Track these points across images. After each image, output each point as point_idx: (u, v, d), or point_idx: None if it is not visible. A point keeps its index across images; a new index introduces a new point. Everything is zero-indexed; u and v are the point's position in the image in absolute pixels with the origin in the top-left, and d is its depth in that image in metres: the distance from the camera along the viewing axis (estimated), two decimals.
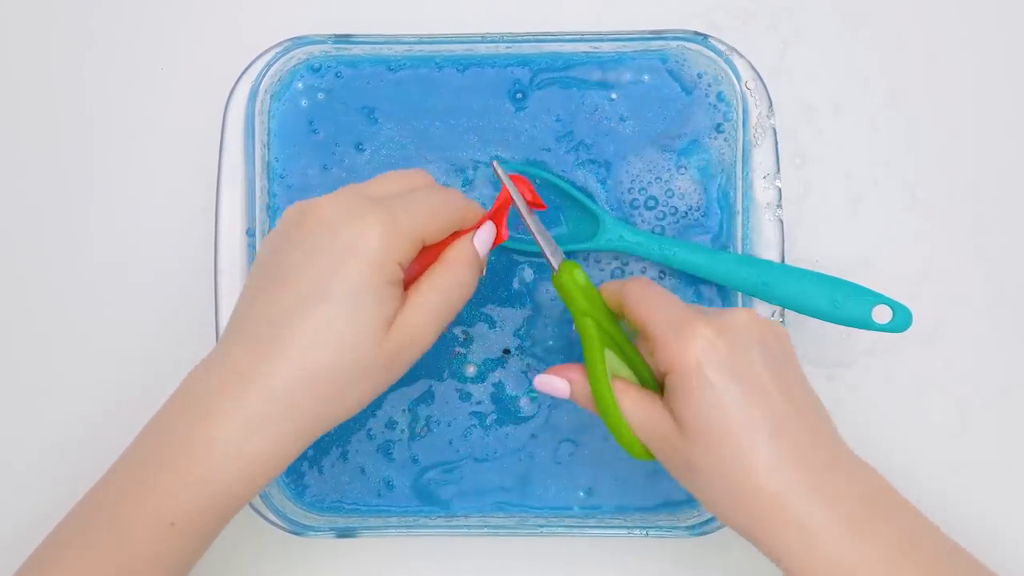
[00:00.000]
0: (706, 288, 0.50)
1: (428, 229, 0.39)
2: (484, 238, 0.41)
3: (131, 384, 0.52)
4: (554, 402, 0.49)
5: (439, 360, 0.50)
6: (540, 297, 0.50)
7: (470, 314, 0.50)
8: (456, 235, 0.41)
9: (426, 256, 0.40)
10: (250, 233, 0.49)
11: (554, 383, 0.43)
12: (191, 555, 0.39)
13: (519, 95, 0.50)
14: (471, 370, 0.50)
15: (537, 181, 0.50)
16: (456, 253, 0.40)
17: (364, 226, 0.37)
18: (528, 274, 0.50)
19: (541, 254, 0.42)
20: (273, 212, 0.50)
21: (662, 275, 0.50)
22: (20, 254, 0.53)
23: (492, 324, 0.50)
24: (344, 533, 0.48)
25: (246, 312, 0.39)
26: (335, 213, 0.38)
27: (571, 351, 0.50)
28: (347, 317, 0.37)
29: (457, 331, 0.50)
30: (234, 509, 0.38)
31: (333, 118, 0.50)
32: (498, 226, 0.42)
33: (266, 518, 0.48)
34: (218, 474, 0.37)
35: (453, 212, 0.40)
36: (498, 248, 0.49)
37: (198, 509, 0.37)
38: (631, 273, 0.50)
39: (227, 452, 0.37)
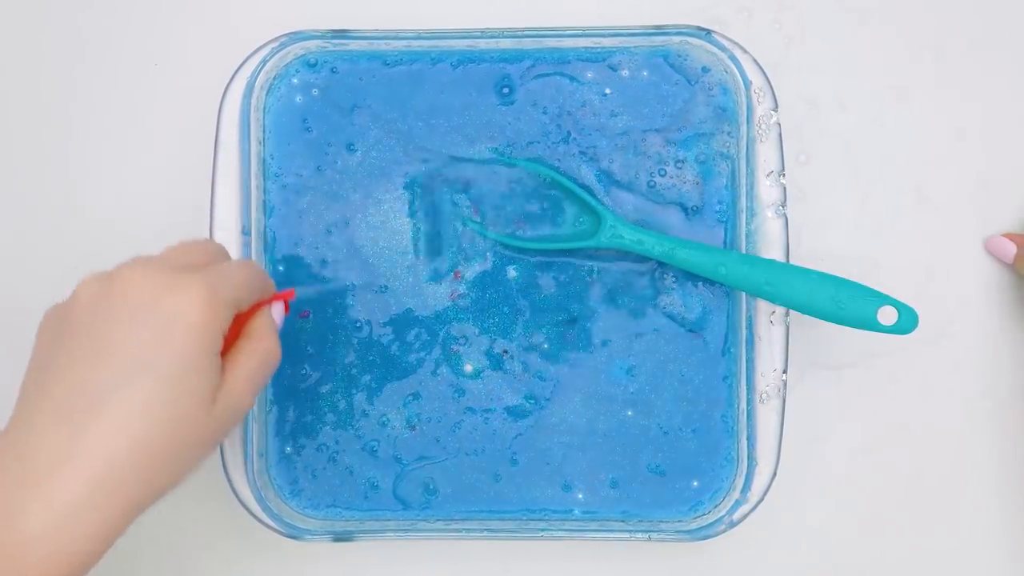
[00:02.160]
0: (708, 287, 0.49)
1: (243, 299, 0.39)
2: (279, 311, 0.42)
3: None
4: (553, 405, 0.49)
5: (437, 359, 0.49)
6: (538, 298, 0.49)
7: (472, 317, 0.49)
8: (251, 311, 0.41)
9: (229, 333, 0.40)
10: (245, 232, 0.48)
11: (1005, 246, 0.49)
12: None
13: (515, 91, 0.49)
14: (468, 368, 0.49)
15: (544, 179, 0.49)
16: (263, 323, 0.41)
17: (188, 295, 0.36)
18: (527, 275, 0.49)
19: None
20: (269, 211, 0.49)
21: (663, 273, 0.49)
22: (11, 253, 0.52)
23: (492, 324, 0.49)
24: (341, 537, 0.48)
25: (50, 386, 0.36)
26: (152, 283, 0.37)
27: (570, 352, 0.49)
28: (173, 389, 0.35)
29: (455, 331, 0.49)
30: None
31: (326, 116, 0.49)
32: (285, 303, 0.44)
33: (262, 521, 0.48)
34: (36, 572, 0.34)
35: (260, 283, 0.41)
36: (500, 247, 0.49)
37: None
38: (632, 271, 0.49)
39: (46, 548, 0.34)
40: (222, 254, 0.42)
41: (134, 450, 0.35)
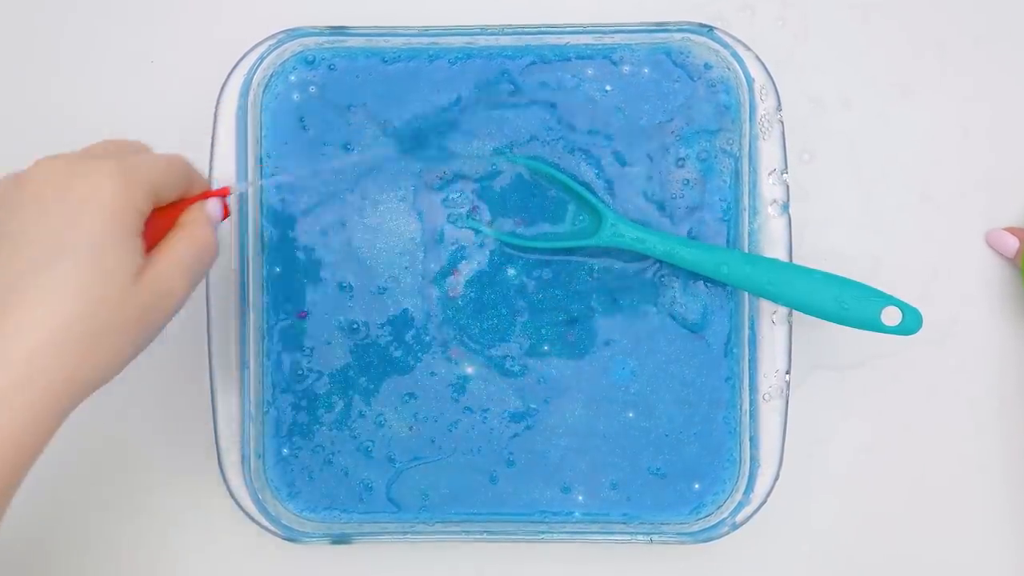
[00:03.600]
0: (710, 287, 0.49)
1: (162, 181, 0.38)
2: (215, 208, 0.41)
3: (122, 381, 0.51)
4: (552, 406, 0.49)
5: (434, 360, 0.49)
6: (537, 297, 0.49)
7: (471, 316, 0.49)
8: (183, 204, 0.40)
9: (158, 225, 0.39)
10: (242, 231, 0.48)
11: (1006, 240, 0.50)
12: None
13: (515, 89, 0.49)
14: (466, 369, 0.49)
15: (544, 177, 0.49)
16: (195, 215, 0.40)
17: (98, 177, 0.36)
18: (527, 274, 0.49)
19: None
20: (265, 210, 0.49)
21: (664, 272, 0.49)
22: None
23: (491, 324, 0.49)
24: (339, 539, 0.47)
25: None
26: (60, 171, 0.36)
27: (569, 353, 0.49)
28: (91, 267, 0.35)
29: (454, 331, 0.49)
30: None
31: (324, 114, 0.49)
32: (223, 203, 0.42)
33: (259, 524, 0.47)
34: None
35: (184, 174, 0.40)
36: (500, 246, 0.49)
37: None
38: (633, 271, 0.49)
39: None
40: (142, 148, 0.41)
41: (55, 332, 0.34)
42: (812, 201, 0.51)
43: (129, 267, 0.36)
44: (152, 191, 0.37)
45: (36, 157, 0.52)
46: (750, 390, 0.48)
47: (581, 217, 0.49)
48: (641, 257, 0.48)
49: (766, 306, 0.48)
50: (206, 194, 0.41)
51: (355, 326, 0.49)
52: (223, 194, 0.42)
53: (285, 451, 0.49)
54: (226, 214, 0.42)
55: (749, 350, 0.48)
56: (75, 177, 0.36)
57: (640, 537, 0.47)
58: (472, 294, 0.49)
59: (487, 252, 0.49)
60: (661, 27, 0.48)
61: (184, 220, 0.40)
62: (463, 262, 0.49)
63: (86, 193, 0.36)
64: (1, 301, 0.34)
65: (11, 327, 0.34)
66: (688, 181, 0.49)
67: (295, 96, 0.49)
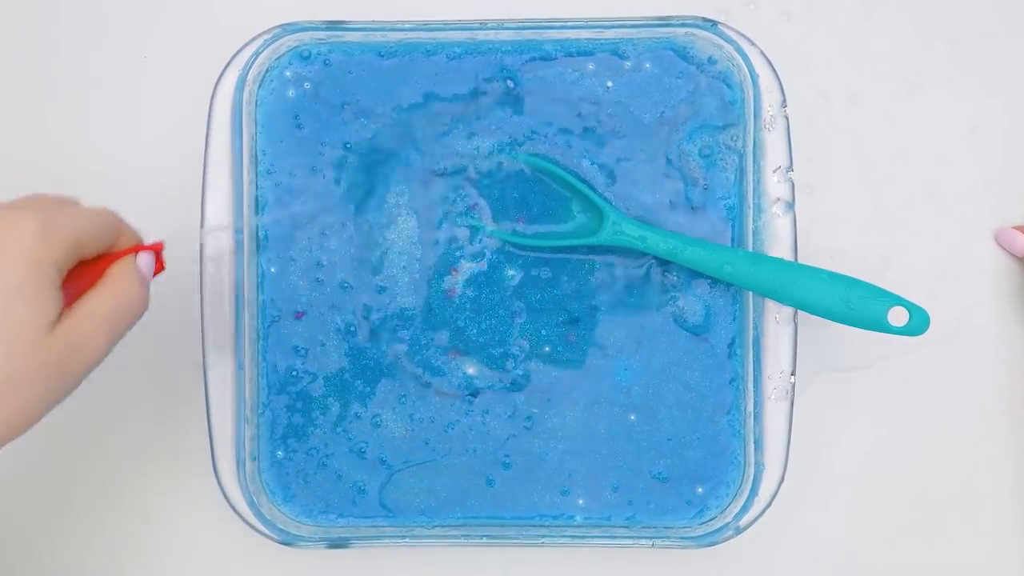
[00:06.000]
0: (714, 287, 0.48)
1: (84, 234, 0.38)
2: (146, 261, 0.41)
3: (115, 383, 0.51)
4: (552, 408, 0.48)
5: (434, 360, 0.48)
6: (538, 297, 0.48)
7: (470, 316, 0.48)
8: (111, 257, 0.40)
9: (84, 278, 0.39)
10: (238, 231, 0.47)
11: (1015, 238, 0.50)
12: None
13: (515, 84, 0.48)
14: (464, 370, 0.48)
15: (545, 174, 0.48)
16: (122, 268, 0.40)
17: (17, 224, 0.36)
18: (527, 273, 0.48)
19: None
20: (261, 206, 0.48)
21: (667, 272, 0.48)
22: None
23: (490, 325, 0.48)
24: (336, 543, 0.47)
25: None
26: None
27: (570, 353, 0.48)
28: (1, 318, 0.35)
29: (452, 331, 0.48)
30: None
31: (319, 111, 0.48)
32: (157, 257, 0.42)
33: (255, 528, 0.47)
34: None
35: (108, 222, 0.40)
36: (500, 245, 0.48)
37: None
38: (635, 270, 0.48)
39: None
40: (68, 202, 0.41)
41: None
42: (817, 199, 0.51)
43: (42, 318, 0.36)
44: (74, 244, 0.38)
45: (33, 155, 0.52)
46: (755, 392, 0.47)
47: (587, 216, 0.48)
48: (643, 256, 0.48)
49: (771, 306, 0.47)
50: (136, 248, 0.41)
51: (351, 327, 0.48)
52: (155, 249, 0.42)
53: (280, 454, 0.48)
54: (159, 268, 0.42)
55: (754, 351, 0.47)
56: None
57: (642, 541, 0.47)
58: (471, 294, 0.48)
59: (487, 251, 0.48)
60: (664, 22, 0.47)
61: (110, 273, 0.40)
62: (462, 261, 0.48)
63: (4, 243, 0.36)
64: None
65: None
66: (691, 178, 0.48)
67: (290, 92, 0.48)
